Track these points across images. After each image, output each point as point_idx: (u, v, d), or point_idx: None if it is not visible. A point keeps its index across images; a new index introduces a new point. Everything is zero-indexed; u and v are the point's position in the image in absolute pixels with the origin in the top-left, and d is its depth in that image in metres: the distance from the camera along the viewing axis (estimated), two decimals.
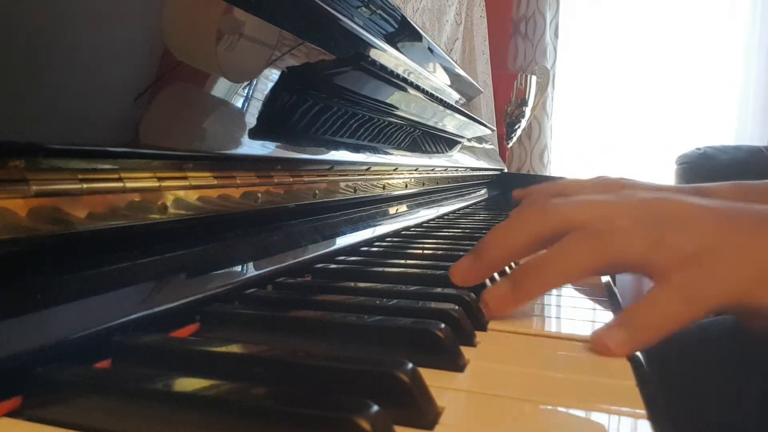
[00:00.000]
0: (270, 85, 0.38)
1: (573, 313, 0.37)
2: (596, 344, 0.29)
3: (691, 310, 0.28)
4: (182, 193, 0.30)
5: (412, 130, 0.76)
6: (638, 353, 0.28)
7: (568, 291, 0.43)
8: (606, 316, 0.35)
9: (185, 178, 0.30)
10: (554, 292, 0.43)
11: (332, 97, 0.50)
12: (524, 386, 0.24)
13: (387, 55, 0.56)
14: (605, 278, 0.47)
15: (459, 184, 1.09)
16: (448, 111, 0.83)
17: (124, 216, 0.26)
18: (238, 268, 0.35)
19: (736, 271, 0.28)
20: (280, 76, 0.39)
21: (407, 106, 0.68)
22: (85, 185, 0.24)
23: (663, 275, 0.29)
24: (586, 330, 0.32)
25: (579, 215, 0.32)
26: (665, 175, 1.96)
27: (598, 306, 0.38)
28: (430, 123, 0.81)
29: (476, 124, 1.02)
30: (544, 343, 0.30)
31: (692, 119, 2.22)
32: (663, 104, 2.23)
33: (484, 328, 0.32)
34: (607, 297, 0.41)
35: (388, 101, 0.61)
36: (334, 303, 0.32)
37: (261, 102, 0.37)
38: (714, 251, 0.29)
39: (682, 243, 0.29)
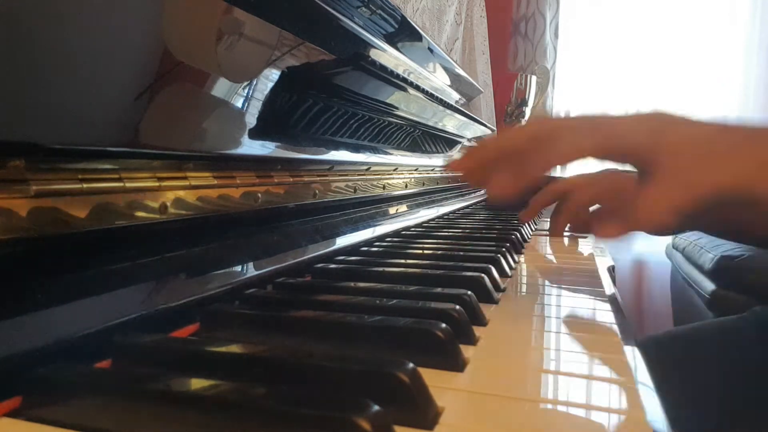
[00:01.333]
0: (270, 85, 0.38)
1: (573, 312, 0.37)
2: (598, 231, 0.31)
3: (690, 195, 0.29)
4: (182, 193, 0.30)
5: (412, 130, 0.76)
6: (639, 353, 0.28)
7: (568, 293, 0.43)
8: (606, 316, 0.35)
9: (185, 178, 0.30)
10: (554, 292, 0.43)
11: (332, 97, 0.50)
12: (524, 386, 0.24)
13: (387, 55, 0.56)
14: (606, 282, 0.47)
15: (459, 184, 1.09)
16: (448, 111, 0.83)
17: (124, 216, 0.26)
18: (238, 268, 0.35)
19: (733, 163, 0.30)
20: (280, 76, 0.39)
21: (407, 106, 0.68)
22: (85, 185, 0.24)
23: (661, 165, 0.30)
24: (586, 328, 0.32)
25: (579, 121, 0.33)
26: None
27: (598, 306, 0.38)
28: (430, 123, 0.81)
29: (476, 124, 1.02)
30: (545, 342, 0.30)
31: None
32: (663, 104, 2.23)
33: (484, 325, 0.32)
34: (606, 297, 0.41)
35: (388, 101, 0.61)
36: (334, 303, 0.32)
37: (261, 102, 0.37)
38: (709, 146, 0.30)
39: (681, 134, 0.31)
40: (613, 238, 0.31)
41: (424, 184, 0.83)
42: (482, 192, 1.30)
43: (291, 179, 0.42)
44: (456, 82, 1.01)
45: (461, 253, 0.51)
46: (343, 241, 0.50)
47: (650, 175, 0.31)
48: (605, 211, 0.38)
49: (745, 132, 0.32)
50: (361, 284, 0.37)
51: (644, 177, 0.31)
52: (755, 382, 0.54)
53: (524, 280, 0.46)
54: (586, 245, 0.67)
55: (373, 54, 0.53)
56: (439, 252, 0.52)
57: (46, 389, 0.20)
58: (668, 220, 0.29)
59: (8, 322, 0.21)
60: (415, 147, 0.79)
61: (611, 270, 0.52)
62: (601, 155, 0.33)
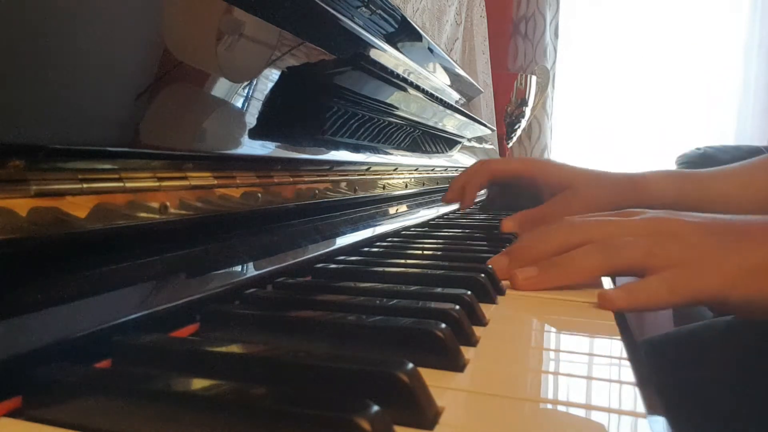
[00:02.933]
0: (270, 85, 0.38)
1: (573, 313, 0.37)
2: (601, 299, 0.37)
3: (673, 297, 0.36)
4: (182, 193, 0.30)
5: (412, 130, 0.76)
6: (641, 354, 0.28)
7: (568, 293, 0.43)
8: (606, 316, 0.35)
9: (185, 178, 0.31)
10: (554, 292, 0.43)
11: (332, 97, 0.50)
12: (524, 386, 0.24)
13: (387, 55, 0.56)
14: (606, 281, 0.47)
15: None
16: (448, 111, 0.83)
17: (124, 216, 0.26)
18: (238, 268, 0.35)
19: (712, 275, 0.36)
20: (280, 76, 0.39)
21: (407, 106, 0.68)
22: (85, 185, 0.24)
23: (655, 273, 0.37)
24: (586, 329, 0.32)
25: (596, 231, 0.42)
26: None
27: (599, 309, 0.38)
28: (430, 123, 0.81)
29: (476, 124, 1.02)
30: (545, 342, 0.30)
31: (692, 119, 2.21)
32: (663, 104, 2.23)
33: (484, 325, 0.32)
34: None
35: (388, 101, 0.61)
36: (334, 303, 0.32)
37: (261, 102, 0.37)
38: (697, 259, 0.37)
39: (672, 252, 0.38)
40: (620, 307, 0.37)
41: (424, 184, 0.83)
42: (482, 192, 1.30)
43: (291, 179, 0.42)
44: (456, 82, 1.01)
45: (461, 253, 0.51)
46: (343, 241, 0.50)
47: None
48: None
49: (735, 233, 0.39)
50: (361, 284, 0.37)
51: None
52: (756, 382, 0.54)
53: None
54: None
55: (373, 54, 0.53)
56: (439, 252, 0.52)
57: (46, 389, 0.20)
58: (650, 307, 0.37)
59: (8, 322, 0.21)
60: (415, 147, 0.79)
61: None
62: (608, 274, 0.42)
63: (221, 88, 0.34)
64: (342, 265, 0.44)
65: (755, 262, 0.37)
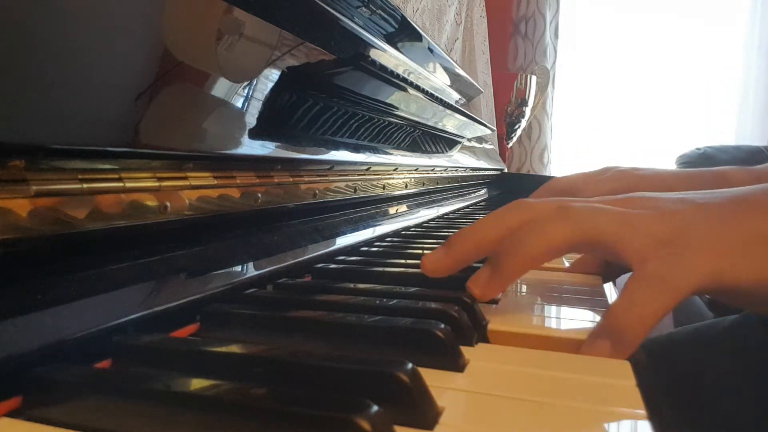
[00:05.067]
0: (270, 85, 0.38)
1: (572, 312, 0.37)
2: (589, 351, 0.29)
3: (669, 298, 0.28)
4: (182, 193, 0.30)
5: (412, 130, 0.76)
6: (641, 354, 0.28)
7: (568, 295, 0.43)
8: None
9: (185, 178, 0.31)
10: (554, 292, 0.43)
11: (332, 97, 0.50)
12: (524, 386, 0.24)
13: (387, 55, 0.56)
14: (607, 285, 0.47)
15: (459, 184, 1.09)
16: (448, 111, 0.83)
17: (124, 216, 0.26)
18: (238, 268, 0.35)
19: (707, 256, 0.28)
20: (280, 76, 0.39)
21: (407, 106, 0.68)
22: (85, 185, 0.24)
23: (637, 263, 0.29)
24: (585, 328, 0.32)
25: (552, 206, 0.33)
26: None
27: (597, 306, 0.38)
28: (430, 123, 0.81)
29: (476, 124, 1.02)
30: (544, 342, 0.30)
31: (692, 119, 2.22)
32: (663, 104, 2.23)
33: (483, 329, 0.32)
34: (606, 297, 0.41)
35: (388, 101, 0.61)
36: (334, 303, 0.32)
37: (261, 102, 0.37)
38: (685, 237, 0.29)
39: (654, 226, 0.30)
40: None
41: (424, 184, 0.83)
42: (482, 193, 1.30)
43: (291, 179, 0.42)
44: (456, 82, 1.01)
45: None
46: (343, 241, 0.50)
47: (627, 266, 0.30)
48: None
49: (730, 202, 0.31)
50: (361, 284, 0.37)
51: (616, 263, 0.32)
52: (756, 382, 0.54)
53: (524, 280, 0.46)
54: None
55: (373, 54, 0.53)
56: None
57: (46, 389, 0.20)
58: (649, 330, 0.28)
59: (8, 322, 0.21)
60: (415, 147, 0.79)
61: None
62: (576, 248, 0.33)
63: (221, 88, 0.34)
64: (342, 266, 0.44)
65: (758, 232, 0.29)
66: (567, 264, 0.51)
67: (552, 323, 0.34)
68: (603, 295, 0.39)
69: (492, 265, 0.33)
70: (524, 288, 0.44)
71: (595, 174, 0.59)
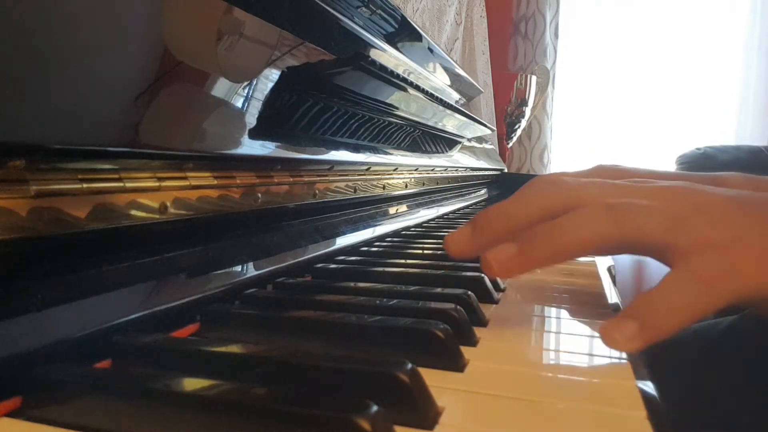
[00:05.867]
0: (270, 85, 0.38)
1: (573, 312, 0.37)
2: (606, 338, 0.27)
3: (710, 300, 0.26)
4: (182, 193, 0.30)
5: (412, 130, 0.76)
6: (641, 354, 0.28)
7: (568, 293, 0.43)
8: (606, 316, 0.35)
9: (185, 178, 0.31)
10: (554, 292, 0.43)
11: (332, 97, 0.50)
12: (524, 386, 0.24)
13: (387, 55, 0.56)
14: (606, 282, 0.47)
15: (459, 184, 1.09)
16: (448, 111, 0.83)
17: (124, 216, 0.26)
18: (238, 268, 0.35)
19: (757, 262, 0.26)
20: (280, 76, 0.39)
21: (407, 106, 0.68)
22: (85, 185, 0.24)
23: (682, 258, 0.27)
24: (586, 329, 0.32)
25: (595, 193, 0.30)
26: None
27: (598, 306, 0.38)
28: (430, 123, 0.81)
29: (476, 124, 1.02)
30: (545, 342, 0.30)
31: (692, 119, 2.22)
32: (663, 104, 2.23)
33: (484, 325, 0.32)
34: (605, 297, 0.40)
35: (388, 101, 0.61)
36: (334, 303, 0.32)
37: (261, 102, 0.37)
38: (738, 241, 0.27)
39: (704, 228, 0.27)
40: (632, 350, 0.27)
41: (424, 184, 0.83)
42: (482, 193, 1.30)
43: (291, 179, 0.42)
44: (456, 82, 1.01)
45: None
46: (343, 241, 0.50)
47: (668, 264, 0.28)
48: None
49: None
50: (361, 284, 0.37)
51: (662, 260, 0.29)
52: (756, 382, 0.54)
53: (524, 280, 0.46)
54: None
55: (373, 54, 0.53)
56: (439, 252, 0.52)
57: (46, 389, 0.20)
58: (681, 327, 0.26)
59: (8, 322, 0.21)
60: (415, 147, 0.79)
61: (611, 270, 0.52)
62: (615, 248, 0.30)
63: (221, 88, 0.34)
64: (342, 265, 0.44)
65: None
66: None
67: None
68: (606, 306, 0.39)
69: (521, 244, 0.30)
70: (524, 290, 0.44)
71: (585, 173, 0.58)
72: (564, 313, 0.37)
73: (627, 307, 0.27)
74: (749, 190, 0.32)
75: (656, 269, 2.07)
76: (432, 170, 0.86)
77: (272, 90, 0.39)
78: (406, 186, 0.74)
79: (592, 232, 0.29)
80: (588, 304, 0.39)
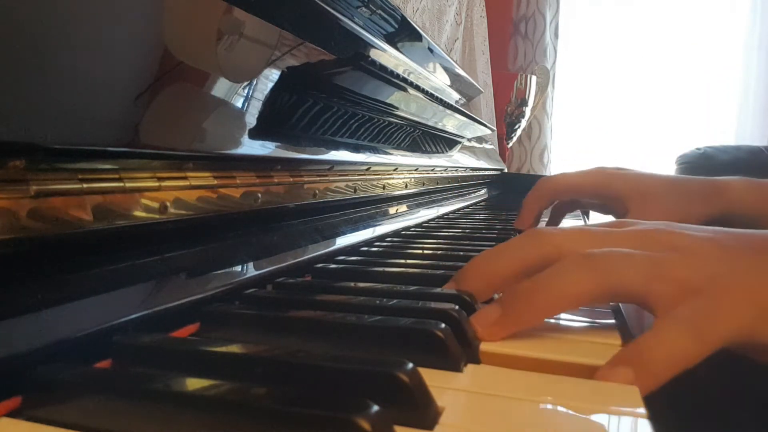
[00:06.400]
0: (270, 85, 0.38)
1: (573, 314, 0.37)
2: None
3: (701, 347, 0.26)
4: (182, 193, 0.30)
5: (412, 130, 0.76)
6: None
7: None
8: (607, 317, 0.35)
9: (185, 178, 0.31)
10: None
11: (332, 97, 0.50)
12: (524, 386, 0.24)
13: (387, 55, 0.56)
14: None
15: (459, 184, 1.09)
16: (448, 111, 0.83)
17: (124, 216, 0.26)
18: (238, 268, 0.35)
19: (741, 305, 0.27)
20: (280, 76, 0.39)
21: (407, 106, 0.68)
22: (85, 185, 0.24)
23: (665, 307, 0.27)
24: (586, 329, 0.32)
25: (574, 242, 0.31)
26: None
27: (598, 306, 0.38)
28: (430, 123, 0.81)
29: (476, 124, 1.02)
30: (545, 342, 0.30)
31: (692, 119, 2.22)
32: (663, 104, 2.24)
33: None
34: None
35: (388, 101, 0.61)
36: (334, 303, 0.32)
37: (261, 102, 0.37)
38: (718, 284, 0.27)
39: (685, 274, 0.28)
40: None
41: (424, 184, 0.83)
42: (482, 192, 1.30)
43: (291, 179, 0.42)
44: (456, 82, 1.01)
45: (461, 253, 0.51)
46: (343, 241, 0.50)
47: (653, 312, 0.28)
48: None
49: (760, 249, 0.29)
50: (361, 284, 0.37)
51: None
52: (757, 383, 0.54)
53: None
54: None
55: (373, 54, 0.53)
56: (439, 252, 0.52)
57: (46, 389, 0.20)
58: (674, 374, 0.26)
59: (8, 322, 0.21)
60: (415, 147, 0.79)
61: None
62: (597, 300, 0.30)
63: (221, 88, 0.34)
64: (342, 265, 0.44)
65: None
66: None
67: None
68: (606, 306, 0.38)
69: (503, 307, 0.29)
70: None
71: (585, 173, 0.62)
72: (564, 314, 0.37)
73: (619, 353, 0.27)
74: (753, 194, 0.32)
75: None
76: (432, 170, 0.86)
77: (272, 90, 0.39)
78: (406, 186, 0.74)
79: (572, 288, 0.28)
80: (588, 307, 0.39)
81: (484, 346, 0.28)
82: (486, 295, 0.33)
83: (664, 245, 0.30)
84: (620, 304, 0.36)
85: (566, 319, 0.35)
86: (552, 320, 0.33)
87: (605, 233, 0.32)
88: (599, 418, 0.21)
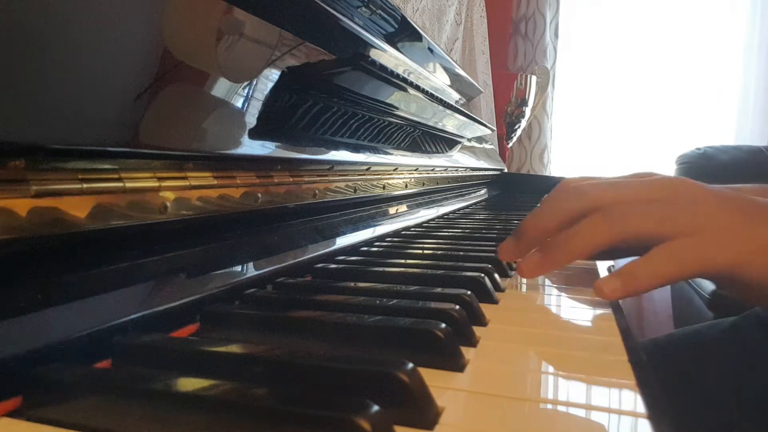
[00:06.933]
0: (270, 85, 0.38)
1: (573, 313, 0.37)
2: (596, 291, 0.35)
3: (678, 269, 0.34)
4: (182, 193, 0.30)
5: (412, 130, 0.76)
6: (641, 354, 0.28)
7: (568, 293, 0.43)
8: (607, 317, 0.35)
9: (185, 178, 0.31)
10: (555, 292, 0.43)
11: (332, 97, 0.50)
12: (524, 386, 0.24)
13: (387, 55, 0.56)
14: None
15: (459, 184, 1.09)
16: (448, 111, 0.83)
17: (124, 216, 0.26)
18: (238, 268, 0.35)
19: (725, 246, 0.33)
20: (280, 76, 0.39)
21: (407, 106, 0.68)
22: (85, 185, 0.24)
23: (666, 239, 0.34)
24: (586, 329, 0.32)
25: (602, 197, 0.38)
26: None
27: (598, 306, 0.38)
28: (430, 123, 0.81)
29: (476, 124, 1.02)
30: (545, 342, 0.30)
31: (692, 119, 2.21)
32: (663, 104, 2.23)
33: (484, 325, 0.32)
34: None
35: (388, 101, 0.61)
36: (334, 303, 0.32)
37: (261, 102, 0.37)
38: (710, 227, 0.34)
39: (685, 219, 0.35)
40: (614, 298, 0.36)
41: (424, 184, 0.83)
42: (482, 192, 1.30)
43: (291, 179, 0.42)
44: (456, 82, 1.01)
45: (461, 253, 0.51)
46: (343, 241, 0.50)
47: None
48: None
49: (757, 209, 0.35)
50: (361, 284, 0.37)
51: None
52: (757, 383, 0.54)
53: (524, 280, 0.46)
54: None
55: (373, 54, 0.53)
56: (439, 252, 0.52)
57: (46, 389, 0.20)
58: (653, 287, 0.34)
59: (8, 322, 0.21)
60: (415, 147, 0.79)
61: (611, 269, 0.52)
62: (617, 244, 0.37)
63: (221, 88, 0.34)
64: (342, 265, 0.44)
65: None
66: None
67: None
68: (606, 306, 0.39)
69: (544, 253, 0.39)
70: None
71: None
72: (564, 313, 0.37)
73: (615, 271, 0.35)
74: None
75: None
76: (432, 170, 0.86)
77: (272, 90, 0.39)
78: (406, 186, 0.74)
79: (596, 238, 0.36)
80: (587, 303, 0.39)
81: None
82: (541, 242, 0.41)
83: (680, 194, 0.36)
84: (621, 306, 0.38)
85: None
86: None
87: (628, 184, 0.39)
88: (599, 417, 0.21)
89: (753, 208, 0.35)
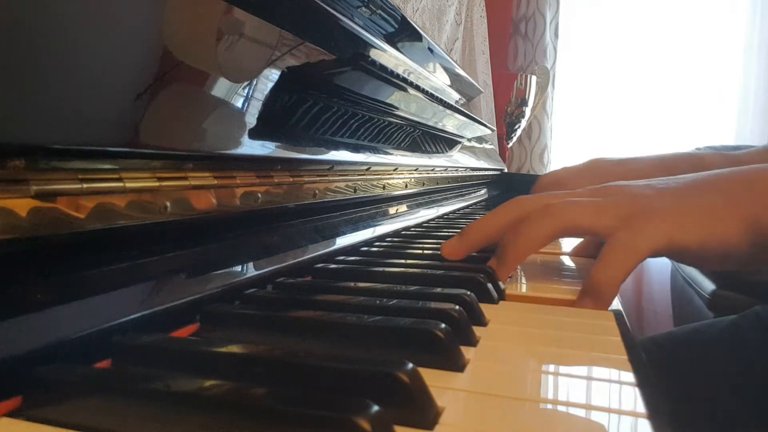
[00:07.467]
0: (270, 85, 0.38)
1: (573, 313, 0.37)
2: (579, 304, 0.37)
3: (634, 259, 0.37)
4: (182, 193, 0.30)
5: (412, 130, 0.76)
6: (641, 354, 0.28)
7: (567, 292, 0.43)
8: (607, 317, 0.35)
9: (185, 178, 0.31)
10: (555, 293, 0.43)
11: (332, 97, 0.50)
12: (524, 386, 0.24)
13: (387, 55, 0.56)
14: None
15: (459, 184, 1.09)
16: (448, 111, 0.83)
17: (124, 216, 0.26)
18: (238, 268, 0.35)
19: (662, 225, 0.37)
20: (280, 76, 0.39)
21: (407, 106, 0.68)
22: (85, 185, 0.24)
23: (609, 235, 0.38)
24: (586, 327, 0.32)
25: (544, 200, 0.42)
26: None
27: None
28: (430, 123, 0.81)
29: (476, 124, 1.02)
30: (545, 342, 0.30)
31: (692, 119, 2.21)
32: (663, 104, 2.23)
33: (484, 325, 0.32)
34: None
35: (388, 101, 0.61)
36: (334, 303, 0.32)
37: (261, 102, 0.37)
38: (646, 212, 0.38)
39: (620, 209, 0.39)
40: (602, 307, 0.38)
41: (424, 184, 0.83)
42: (482, 192, 1.30)
43: (291, 179, 0.42)
44: (456, 82, 1.01)
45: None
46: (343, 241, 0.50)
47: (604, 240, 0.39)
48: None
49: (681, 184, 0.40)
50: (361, 284, 0.37)
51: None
52: (757, 383, 0.54)
53: (524, 279, 0.46)
54: None
55: (373, 54, 0.53)
56: (439, 252, 0.52)
57: (46, 389, 0.20)
58: (626, 276, 0.36)
59: (8, 322, 0.21)
60: (415, 147, 0.79)
61: None
62: (563, 236, 0.41)
63: (221, 88, 0.34)
64: (342, 265, 0.44)
65: (703, 206, 0.38)
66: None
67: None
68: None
69: (498, 255, 0.42)
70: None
71: (577, 167, 0.70)
72: (564, 313, 0.37)
73: (582, 286, 0.38)
74: (725, 166, 0.44)
75: (656, 270, 2.08)
76: (432, 170, 0.86)
77: (272, 90, 0.39)
78: (406, 186, 0.74)
79: (540, 231, 0.40)
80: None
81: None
82: (484, 244, 0.45)
83: (611, 193, 0.41)
84: (621, 307, 0.38)
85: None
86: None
87: (567, 194, 0.43)
88: (599, 417, 0.21)
89: (679, 185, 0.40)
